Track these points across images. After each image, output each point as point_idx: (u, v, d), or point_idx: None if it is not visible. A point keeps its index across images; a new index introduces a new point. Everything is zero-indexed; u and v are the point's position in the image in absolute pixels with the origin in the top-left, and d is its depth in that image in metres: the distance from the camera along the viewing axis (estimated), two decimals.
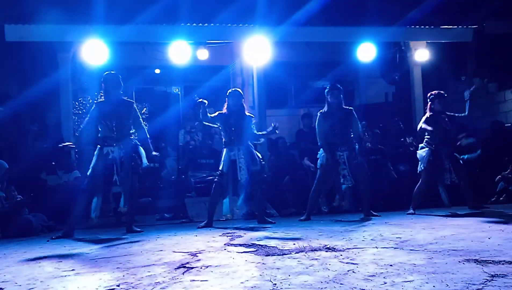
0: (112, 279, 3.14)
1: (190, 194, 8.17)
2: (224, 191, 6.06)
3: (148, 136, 5.92)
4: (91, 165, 5.57)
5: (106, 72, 5.81)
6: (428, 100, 6.49)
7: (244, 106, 6.19)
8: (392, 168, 7.75)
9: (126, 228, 5.75)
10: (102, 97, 6.02)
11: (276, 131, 6.21)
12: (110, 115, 5.58)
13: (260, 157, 6.18)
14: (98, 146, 5.62)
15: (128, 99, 5.94)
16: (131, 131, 5.69)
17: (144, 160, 5.75)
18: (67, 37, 8.29)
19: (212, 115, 6.10)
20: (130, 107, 5.73)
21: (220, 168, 6.02)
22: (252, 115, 6.26)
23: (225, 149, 6.05)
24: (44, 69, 10.52)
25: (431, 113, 6.35)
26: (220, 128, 6.10)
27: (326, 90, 6.37)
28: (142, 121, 5.91)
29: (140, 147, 5.78)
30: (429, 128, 6.23)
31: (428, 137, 6.38)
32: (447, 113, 6.52)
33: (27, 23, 8.00)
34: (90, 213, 5.72)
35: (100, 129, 5.64)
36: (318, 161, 6.27)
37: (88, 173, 5.59)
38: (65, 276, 3.34)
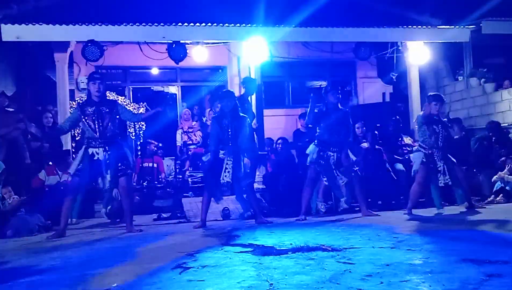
0: (109, 279, 3.13)
1: (187, 194, 8.17)
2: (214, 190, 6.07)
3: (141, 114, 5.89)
4: (75, 166, 5.53)
5: (90, 73, 5.82)
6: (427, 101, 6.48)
7: (238, 107, 6.15)
8: (391, 169, 7.75)
9: (126, 228, 5.74)
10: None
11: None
12: (93, 115, 5.52)
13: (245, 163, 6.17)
14: (84, 146, 5.59)
15: (111, 98, 5.92)
16: (116, 132, 5.61)
17: (131, 160, 5.72)
18: (63, 37, 8.26)
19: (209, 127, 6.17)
20: (113, 106, 5.68)
21: (208, 164, 6.03)
22: (245, 116, 6.22)
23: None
24: (41, 69, 10.52)
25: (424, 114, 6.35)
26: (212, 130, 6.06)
27: (326, 90, 6.36)
28: (130, 110, 5.89)
29: (126, 147, 5.75)
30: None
31: (421, 140, 6.39)
32: (440, 116, 6.50)
33: (24, 23, 7.96)
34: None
35: (84, 130, 5.62)
36: (308, 157, 6.26)
37: (71, 173, 5.56)
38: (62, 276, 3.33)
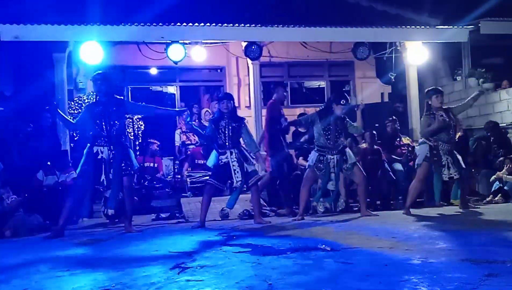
0: (107, 279, 3.13)
1: (186, 194, 8.17)
2: (215, 191, 6.10)
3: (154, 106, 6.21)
4: (80, 164, 5.57)
5: (96, 72, 5.86)
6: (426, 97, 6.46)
7: (235, 108, 6.20)
8: (389, 169, 7.76)
9: (125, 228, 5.74)
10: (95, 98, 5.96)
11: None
12: (101, 114, 5.54)
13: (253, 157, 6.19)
14: (88, 144, 5.61)
15: (119, 97, 5.96)
16: (121, 131, 5.66)
17: (135, 162, 5.74)
18: (62, 37, 8.25)
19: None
20: (121, 105, 5.72)
21: (212, 169, 6.06)
22: (244, 117, 6.27)
23: (214, 151, 6.04)
24: (39, 69, 10.51)
25: (427, 113, 6.32)
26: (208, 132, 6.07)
27: (334, 100, 6.32)
28: (143, 104, 6.05)
29: (130, 149, 5.77)
30: (433, 127, 6.17)
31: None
32: (444, 108, 6.47)
33: (23, 23, 7.95)
34: (81, 214, 5.75)
35: (90, 129, 5.63)
36: (309, 160, 6.31)
37: (77, 172, 5.60)
38: (60, 276, 3.33)
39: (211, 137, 6.03)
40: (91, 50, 8.18)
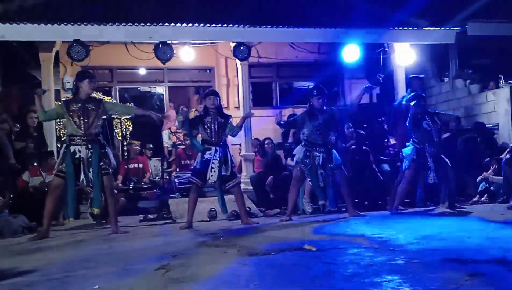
0: (91, 281, 3.11)
1: (174, 195, 8.14)
2: (200, 191, 6.08)
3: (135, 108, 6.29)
4: (57, 164, 5.52)
5: (79, 71, 5.84)
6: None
7: (221, 106, 6.22)
8: (377, 169, 7.78)
9: (111, 229, 5.70)
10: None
11: None
12: (77, 112, 5.48)
13: (234, 162, 6.20)
14: (64, 144, 5.55)
15: (97, 97, 5.93)
16: (99, 130, 5.59)
17: (112, 160, 5.69)
18: (49, 36, 8.18)
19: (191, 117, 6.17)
20: (99, 105, 5.66)
21: (195, 165, 6.06)
22: (230, 115, 6.26)
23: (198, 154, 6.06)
24: (26, 69, 10.42)
25: (412, 112, 6.40)
26: (199, 129, 6.06)
27: (311, 93, 6.35)
28: (122, 104, 5.96)
29: (107, 147, 5.72)
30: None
31: (414, 136, 6.43)
32: (430, 111, 6.53)
33: (9, 22, 7.88)
34: (65, 215, 5.69)
35: (67, 127, 5.58)
36: (295, 158, 6.29)
37: (54, 173, 5.54)
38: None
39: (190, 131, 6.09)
40: (79, 50, 8.12)
